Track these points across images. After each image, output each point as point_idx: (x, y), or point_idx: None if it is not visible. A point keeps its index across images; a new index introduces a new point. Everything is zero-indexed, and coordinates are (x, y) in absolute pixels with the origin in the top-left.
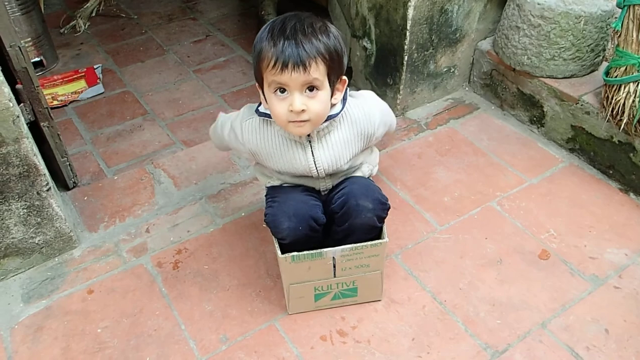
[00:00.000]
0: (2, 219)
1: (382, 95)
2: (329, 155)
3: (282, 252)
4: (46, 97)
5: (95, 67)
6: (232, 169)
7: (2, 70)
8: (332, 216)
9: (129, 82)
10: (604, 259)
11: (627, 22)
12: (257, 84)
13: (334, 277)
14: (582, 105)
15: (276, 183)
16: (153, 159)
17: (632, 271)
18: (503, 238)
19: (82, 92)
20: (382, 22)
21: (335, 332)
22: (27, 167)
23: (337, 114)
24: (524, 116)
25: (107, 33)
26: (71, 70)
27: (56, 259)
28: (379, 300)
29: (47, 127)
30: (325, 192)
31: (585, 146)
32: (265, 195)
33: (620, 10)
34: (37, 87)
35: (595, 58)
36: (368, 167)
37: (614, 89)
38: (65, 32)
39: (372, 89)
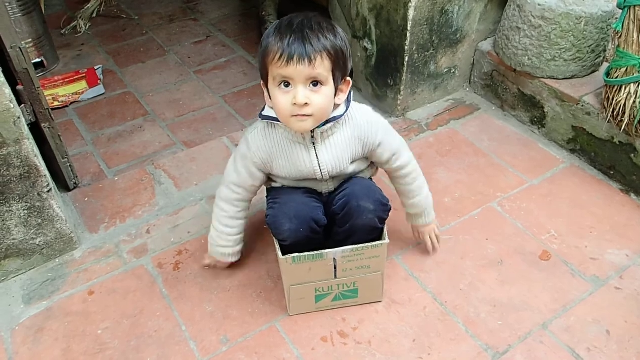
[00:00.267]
0: (3, 220)
1: (383, 96)
2: (332, 157)
3: (283, 253)
4: (47, 98)
5: (96, 68)
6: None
7: (2, 71)
8: (333, 217)
9: (129, 83)
10: (605, 260)
11: (628, 23)
12: (262, 82)
13: (335, 278)
14: (582, 106)
15: (277, 185)
16: (154, 159)
17: (633, 272)
18: (504, 239)
19: (83, 93)
20: (383, 23)
21: (336, 333)
22: (27, 168)
23: (341, 115)
24: (524, 117)
25: (108, 34)
26: (72, 71)
27: (57, 260)
28: (380, 301)
29: (48, 128)
30: (327, 194)
31: (586, 147)
32: (266, 197)
33: (620, 11)
34: (37, 88)
35: (596, 59)
36: (369, 171)
37: (614, 89)
38: (66, 33)
39: (373, 90)
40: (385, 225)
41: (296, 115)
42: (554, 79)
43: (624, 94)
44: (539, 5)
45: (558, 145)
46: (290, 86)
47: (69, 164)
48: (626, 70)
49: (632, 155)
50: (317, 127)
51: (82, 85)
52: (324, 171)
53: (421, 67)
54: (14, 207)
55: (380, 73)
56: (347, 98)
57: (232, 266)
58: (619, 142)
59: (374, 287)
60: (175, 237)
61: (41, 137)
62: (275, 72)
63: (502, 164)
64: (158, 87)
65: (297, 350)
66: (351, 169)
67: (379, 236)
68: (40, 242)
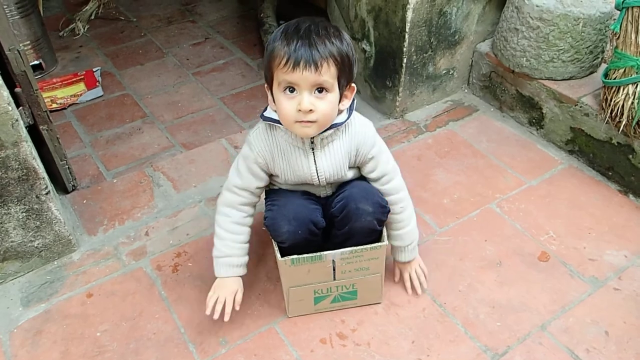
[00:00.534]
0: (1, 223)
1: (382, 98)
2: (330, 164)
3: (282, 255)
4: (45, 100)
5: (94, 70)
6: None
7: (1, 74)
8: (331, 220)
9: (128, 85)
10: (604, 261)
11: (626, 24)
12: (265, 85)
13: (334, 280)
14: (581, 107)
15: (276, 187)
16: (152, 161)
17: (632, 273)
18: (502, 240)
19: (81, 95)
20: (381, 25)
21: (335, 334)
22: (26, 171)
23: (342, 123)
24: (523, 118)
25: (107, 36)
26: (70, 73)
27: (55, 263)
28: (379, 303)
29: (46, 130)
30: (325, 197)
31: (584, 148)
32: (265, 199)
33: (618, 12)
34: (36, 90)
35: (594, 60)
36: None
37: (612, 90)
38: (65, 35)
39: (372, 92)
40: (384, 227)
41: (300, 122)
42: (552, 80)
43: (622, 95)
44: (537, 6)
45: (556, 146)
46: (295, 91)
47: (67, 166)
48: (624, 71)
49: (631, 156)
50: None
51: (81, 87)
52: (321, 177)
53: (419, 68)
54: (12, 209)
55: (378, 75)
56: (350, 105)
57: None
58: (617, 143)
59: (373, 288)
60: (174, 239)
61: (39, 139)
62: (280, 77)
63: (500, 165)
64: (156, 89)
65: (296, 352)
66: (350, 175)
67: (377, 238)
68: (38, 244)
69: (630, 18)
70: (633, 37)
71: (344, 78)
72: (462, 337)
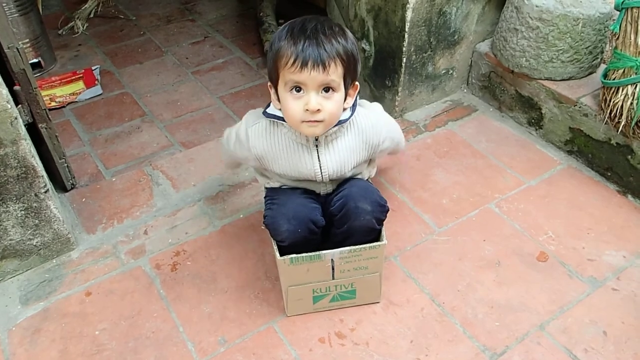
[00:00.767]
0: (0, 221)
1: (381, 97)
2: (334, 161)
3: (281, 254)
4: (44, 99)
5: (93, 68)
6: (231, 170)
7: (0, 72)
8: (331, 218)
9: (127, 84)
10: (602, 261)
11: (625, 25)
12: (269, 84)
13: (333, 279)
14: (580, 107)
15: (275, 185)
16: (151, 160)
17: (630, 273)
18: (501, 240)
19: (80, 93)
20: (381, 24)
21: (334, 334)
22: (25, 169)
23: (347, 119)
24: (522, 118)
25: (106, 34)
26: (69, 72)
27: (54, 261)
28: (378, 302)
29: (45, 128)
30: (325, 195)
31: (583, 148)
32: (265, 197)
33: (618, 12)
34: (35, 88)
35: (594, 60)
36: (367, 170)
37: (612, 91)
38: (64, 33)
39: (371, 91)
40: (383, 226)
41: (307, 121)
42: (552, 80)
43: (621, 95)
44: (537, 6)
45: (555, 147)
46: (302, 91)
47: (66, 165)
48: (623, 71)
49: (629, 156)
50: None
51: (80, 85)
52: (324, 174)
53: (419, 68)
54: (11, 207)
55: (378, 74)
56: (354, 103)
57: (230, 267)
58: (616, 143)
59: (371, 288)
60: (173, 238)
61: (38, 137)
62: (287, 77)
63: (499, 165)
64: (156, 88)
65: (294, 351)
66: (350, 173)
67: (376, 237)
68: (37, 242)
69: (629, 18)
70: (632, 37)
71: (349, 76)
72: (460, 336)
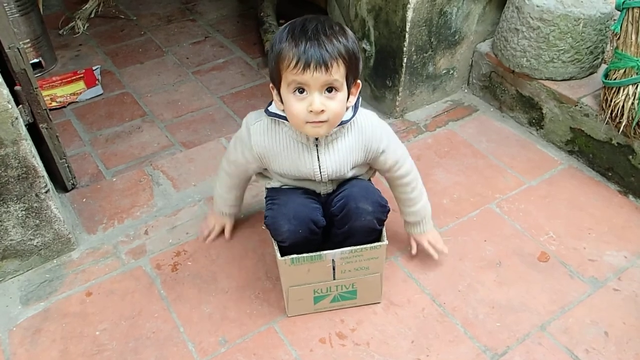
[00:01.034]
0: (0, 221)
1: (381, 97)
2: (334, 161)
3: (282, 254)
4: (45, 99)
5: (94, 68)
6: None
7: (0, 72)
8: (331, 219)
9: (127, 84)
10: (603, 262)
11: (626, 25)
12: (271, 85)
13: (334, 279)
14: (581, 107)
15: (276, 185)
16: (152, 160)
17: (631, 273)
18: (502, 240)
19: (80, 93)
20: (381, 24)
21: (335, 334)
22: (25, 169)
23: (348, 120)
24: (523, 118)
25: (106, 34)
26: (70, 72)
27: (55, 261)
28: (379, 303)
29: (46, 128)
30: (325, 195)
31: (584, 148)
32: (265, 197)
33: (619, 12)
34: (35, 88)
35: (594, 60)
36: (367, 174)
37: (612, 91)
38: (64, 33)
39: (371, 91)
40: (384, 226)
41: (311, 122)
42: (553, 80)
43: (622, 95)
44: (538, 6)
45: (556, 147)
46: (305, 92)
47: (66, 165)
48: (624, 71)
49: (630, 156)
50: None
51: (80, 85)
52: (323, 174)
53: (419, 68)
54: (12, 207)
55: (378, 74)
56: (355, 103)
57: (230, 267)
58: (617, 143)
59: (372, 288)
60: (173, 238)
61: (39, 137)
62: (290, 78)
63: (500, 165)
64: (156, 88)
65: (295, 351)
66: (351, 173)
67: (377, 237)
68: (38, 243)
69: (630, 19)
70: (633, 37)
71: (352, 75)
72: (461, 337)
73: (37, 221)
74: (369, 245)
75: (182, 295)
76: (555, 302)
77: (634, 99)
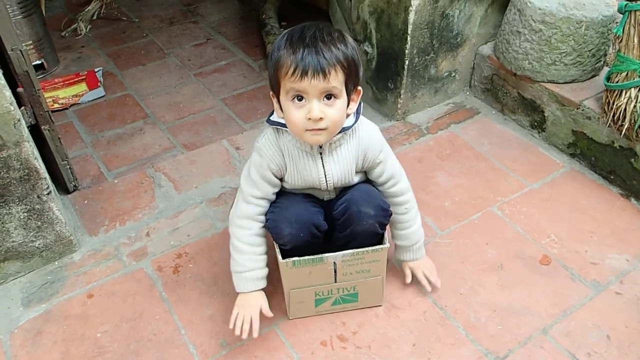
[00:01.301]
0: (2, 223)
1: (383, 100)
2: (338, 169)
3: (283, 257)
4: (47, 100)
5: (96, 70)
6: (232, 172)
7: (3, 74)
8: (333, 222)
9: (129, 86)
10: (605, 265)
11: (629, 28)
12: (271, 93)
13: (335, 282)
14: (583, 110)
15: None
16: (154, 162)
17: (634, 277)
18: (504, 243)
19: (83, 95)
20: (383, 27)
21: (336, 337)
22: (27, 171)
23: (350, 127)
24: (524, 121)
25: (108, 36)
26: (72, 74)
27: (56, 263)
28: (380, 306)
29: (48, 130)
30: (328, 200)
31: (586, 151)
32: None
33: (621, 15)
34: (38, 90)
35: (597, 63)
36: None
37: (615, 94)
38: (67, 35)
39: (373, 94)
40: (386, 230)
41: (311, 130)
42: (555, 83)
43: (624, 98)
44: (540, 9)
45: (558, 150)
46: (304, 100)
47: (68, 167)
48: (627, 74)
49: (633, 159)
50: None
51: (82, 87)
52: (329, 182)
53: (421, 70)
54: (14, 209)
55: (380, 77)
56: (357, 109)
57: None
58: (619, 146)
59: (374, 291)
60: (175, 240)
61: (41, 139)
62: (288, 86)
63: (502, 168)
64: (158, 90)
65: (296, 354)
66: (357, 178)
67: (379, 241)
68: (39, 244)
69: (633, 22)
70: (636, 40)
71: (351, 82)
72: (463, 340)
73: (39, 223)
74: (370, 248)
75: (184, 298)
76: (557, 305)
77: (636, 102)
